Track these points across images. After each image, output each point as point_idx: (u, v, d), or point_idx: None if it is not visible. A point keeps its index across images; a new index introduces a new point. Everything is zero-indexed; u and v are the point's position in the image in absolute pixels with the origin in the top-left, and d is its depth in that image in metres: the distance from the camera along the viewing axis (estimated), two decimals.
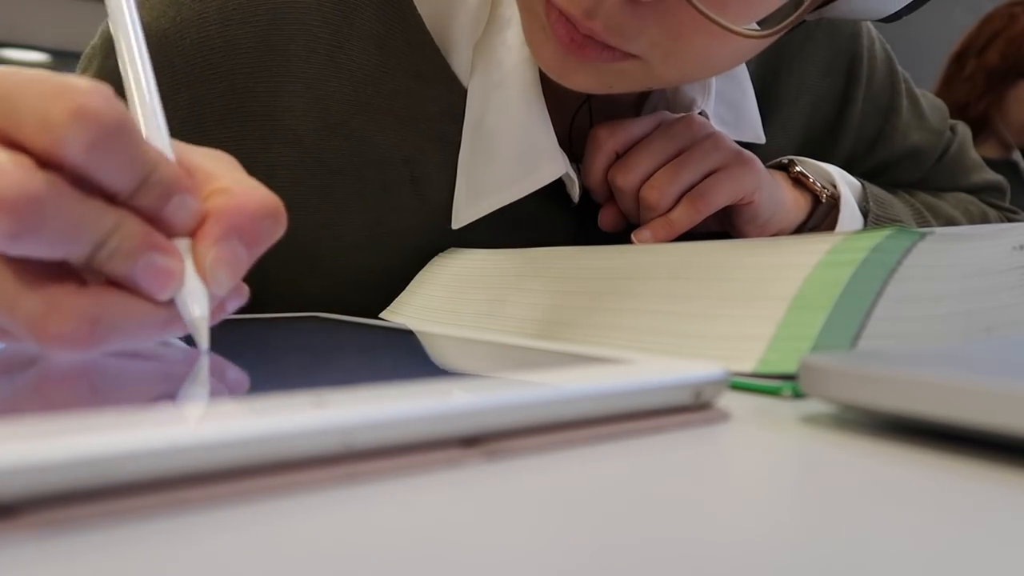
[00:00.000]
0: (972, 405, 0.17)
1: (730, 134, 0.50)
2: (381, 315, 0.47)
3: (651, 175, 0.46)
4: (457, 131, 0.47)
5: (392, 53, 0.45)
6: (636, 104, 0.53)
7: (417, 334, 0.33)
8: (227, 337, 0.30)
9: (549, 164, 0.46)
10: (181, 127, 0.28)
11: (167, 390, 0.22)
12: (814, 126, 0.60)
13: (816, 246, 0.28)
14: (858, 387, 0.19)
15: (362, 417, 0.16)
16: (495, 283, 0.42)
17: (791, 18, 0.35)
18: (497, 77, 0.46)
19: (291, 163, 0.46)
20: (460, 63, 0.47)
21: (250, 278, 0.24)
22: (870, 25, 0.62)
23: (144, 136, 0.23)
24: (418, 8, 0.45)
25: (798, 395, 0.24)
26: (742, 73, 0.53)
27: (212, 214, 0.23)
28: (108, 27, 0.45)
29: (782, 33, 0.36)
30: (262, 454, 0.15)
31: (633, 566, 0.11)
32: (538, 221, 0.50)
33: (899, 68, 0.65)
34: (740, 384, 0.25)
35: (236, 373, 0.24)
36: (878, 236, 0.27)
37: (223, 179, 0.24)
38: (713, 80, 0.50)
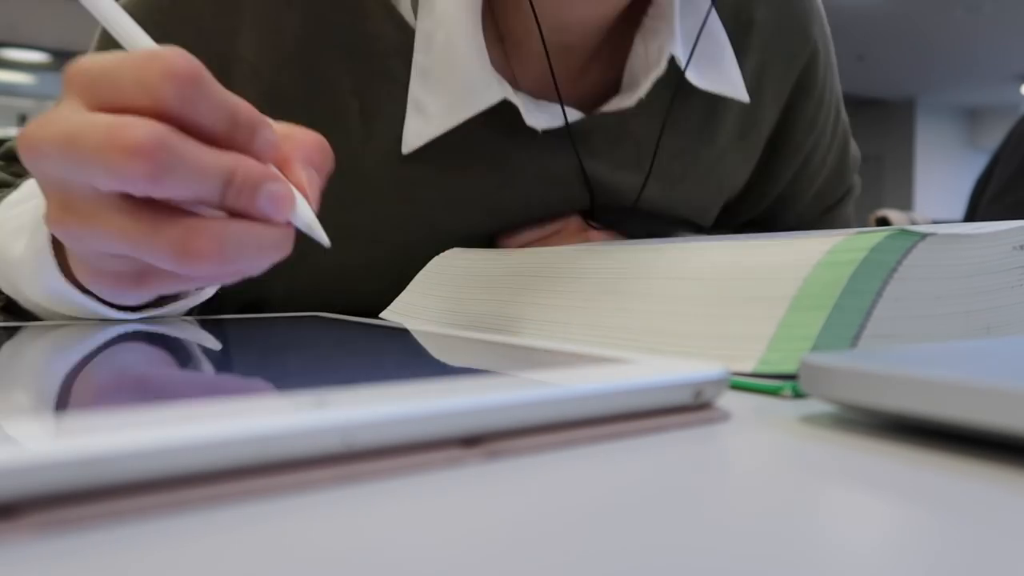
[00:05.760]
0: (972, 405, 0.17)
1: (711, 86, 0.54)
2: (381, 315, 0.47)
3: None
4: (404, 68, 0.50)
5: None
6: (609, 57, 0.56)
7: (417, 334, 0.33)
8: (227, 336, 0.30)
9: (486, 91, 0.48)
10: None
11: (166, 390, 0.22)
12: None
13: (816, 246, 0.28)
14: (858, 387, 0.19)
15: (362, 417, 0.16)
16: (495, 283, 0.42)
17: None
18: (439, 19, 0.49)
19: (252, 100, 0.48)
20: (404, 5, 0.50)
21: None
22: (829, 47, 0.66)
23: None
24: None
25: (798, 395, 0.24)
26: (720, 33, 0.55)
27: (286, 149, 0.28)
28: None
29: None
30: (263, 454, 0.15)
31: (633, 566, 0.11)
32: (496, 156, 0.52)
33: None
34: (740, 384, 0.25)
35: (236, 372, 0.24)
36: (878, 236, 0.27)
37: (274, 124, 0.28)
38: (677, 26, 0.52)
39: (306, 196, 0.28)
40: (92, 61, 0.26)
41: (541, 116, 0.51)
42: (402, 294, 0.48)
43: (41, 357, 0.28)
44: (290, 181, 0.27)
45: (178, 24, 0.47)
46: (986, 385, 0.16)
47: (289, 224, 0.27)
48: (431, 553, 0.12)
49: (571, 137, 0.52)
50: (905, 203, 8.08)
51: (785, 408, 0.23)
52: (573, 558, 0.12)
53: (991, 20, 5.47)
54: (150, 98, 0.24)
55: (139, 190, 0.24)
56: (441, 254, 0.49)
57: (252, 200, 0.26)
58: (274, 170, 0.27)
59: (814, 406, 0.23)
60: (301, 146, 0.28)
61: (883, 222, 2.33)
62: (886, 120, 8.51)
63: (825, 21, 0.65)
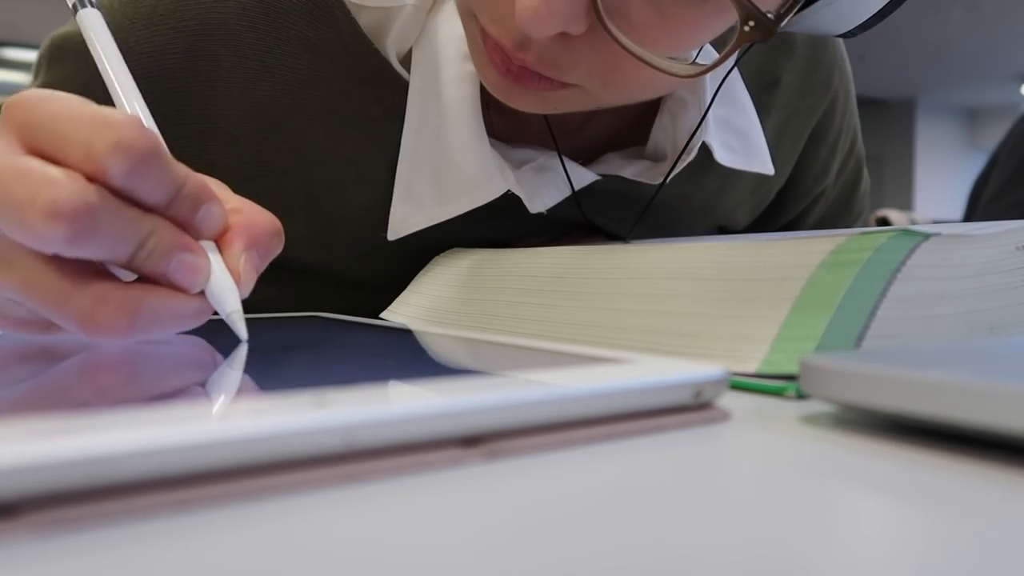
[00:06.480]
0: (972, 405, 0.17)
1: (738, 164, 0.50)
2: (381, 315, 0.47)
3: None
4: (400, 132, 0.46)
5: (325, 57, 0.45)
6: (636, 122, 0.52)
7: (417, 334, 0.33)
8: (227, 336, 0.30)
9: (486, 183, 0.45)
10: None
11: (167, 389, 0.22)
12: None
13: (819, 246, 0.28)
14: (858, 387, 0.19)
15: (363, 416, 0.16)
16: (495, 283, 0.42)
17: (724, 53, 0.33)
18: (435, 89, 0.45)
19: (231, 164, 0.46)
20: (400, 67, 0.46)
21: None
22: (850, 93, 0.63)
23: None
24: (353, 12, 0.45)
25: (802, 396, 0.24)
26: (745, 100, 0.52)
27: (233, 228, 0.27)
28: (56, 35, 0.47)
29: (715, 68, 0.34)
30: (262, 454, 0.15)
31: (632, 566, 0.11)
32: (495, 210, 0.48)
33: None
34: (744, 384, 0.25)
35: (236, 372, 0.24)
36: (882, 236, 0.27)
37: (232, 200, 0.27)
38: (708, 99, 0.48)
39: (237, 282, 0.26)
40: (41, 101, 0.24)
41: (545, 193, 0.48)
42: (402, 294, 0.48)
43: (38, 356, 0.28)
44: (227, 263, 0.26)
45: (144, 83, 0.38)
46: (986, 385, 0.16)
47: (203, 295, 0.25)
48: (431, 553, 0.12)
49: (578, 205, 0.49)
50: (905, 203, 8.08)
51: (785, 408, 0.23)
52: (573, 558, 0.12)
53: (991, 20, 5.48)
54: (93, 166, 0.23)
55: (50, 250, 0.23)
56: (441, 254, 0.49)
57: (162, 267, 0.24)
58: (193, 243, 0.25)
59: (814, 406, 0.23)
60: (249, 226, 0.27)
61: (883, 222, 2.34)
62: (886, 120, 8.51)
63: (847, 64, 0.62)
